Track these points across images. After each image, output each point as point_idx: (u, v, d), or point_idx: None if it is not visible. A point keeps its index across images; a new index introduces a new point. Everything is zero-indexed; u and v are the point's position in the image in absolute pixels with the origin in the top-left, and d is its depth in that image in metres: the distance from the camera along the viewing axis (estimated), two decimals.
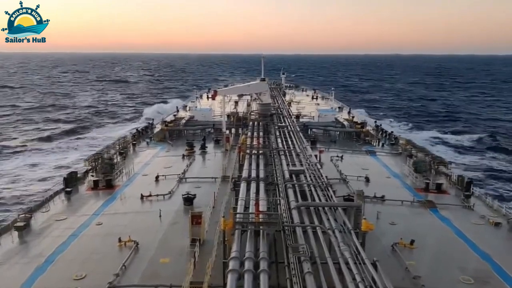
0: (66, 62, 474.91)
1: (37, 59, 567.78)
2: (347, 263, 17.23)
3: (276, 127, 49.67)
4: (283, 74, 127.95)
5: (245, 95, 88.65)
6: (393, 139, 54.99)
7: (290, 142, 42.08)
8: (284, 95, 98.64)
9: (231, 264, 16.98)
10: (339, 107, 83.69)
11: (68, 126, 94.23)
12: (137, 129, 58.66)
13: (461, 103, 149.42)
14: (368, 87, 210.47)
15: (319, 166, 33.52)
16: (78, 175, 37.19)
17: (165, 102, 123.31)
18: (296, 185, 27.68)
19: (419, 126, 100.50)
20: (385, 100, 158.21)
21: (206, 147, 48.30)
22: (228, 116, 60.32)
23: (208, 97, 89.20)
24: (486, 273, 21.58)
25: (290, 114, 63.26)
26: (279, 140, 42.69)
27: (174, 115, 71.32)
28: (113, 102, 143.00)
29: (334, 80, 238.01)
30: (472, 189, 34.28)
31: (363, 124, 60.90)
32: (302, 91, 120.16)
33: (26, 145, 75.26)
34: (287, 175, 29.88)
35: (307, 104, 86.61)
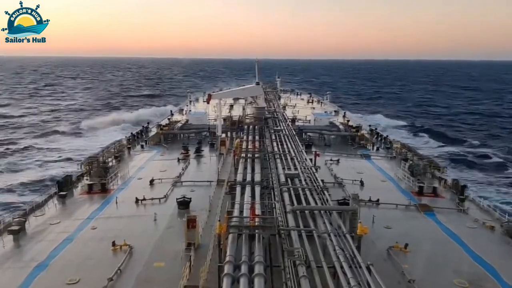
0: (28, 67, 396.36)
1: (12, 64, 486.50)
2: (342, 267, 17.25)
3: (272, 131, 49.72)
4: (278, 78, 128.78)
5: (240, 98, 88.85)
6: (388, 142, 55.28)
7: (285, 146, 42.17)
8: (279, 98, 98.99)
9: (226, 268, 16.96)
10: (334, 111, 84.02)
11: None
12: (132, 133, 58.41)
13: None
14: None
15: (314, 170, 33.61)
16: (73, 179, 36.96)
17: None
18: (291, 188, 27.71)
19: None
20: None
21: (202, 150, 48.27)
22: (224, 119, 60.32)
23: (203, 101, 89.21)
24: (480, 276, 21.68)
25: (285, 118, 63.49)
26: (274, 144, 42.75)
27: (169, 119, 71.23)
28: None
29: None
30: (466, 193, 34.56)
31: (358, 128, 61.19)
32: (297, 95, 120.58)
33: None
34: (282, 179, 29.91)
35: (302, 108, 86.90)
